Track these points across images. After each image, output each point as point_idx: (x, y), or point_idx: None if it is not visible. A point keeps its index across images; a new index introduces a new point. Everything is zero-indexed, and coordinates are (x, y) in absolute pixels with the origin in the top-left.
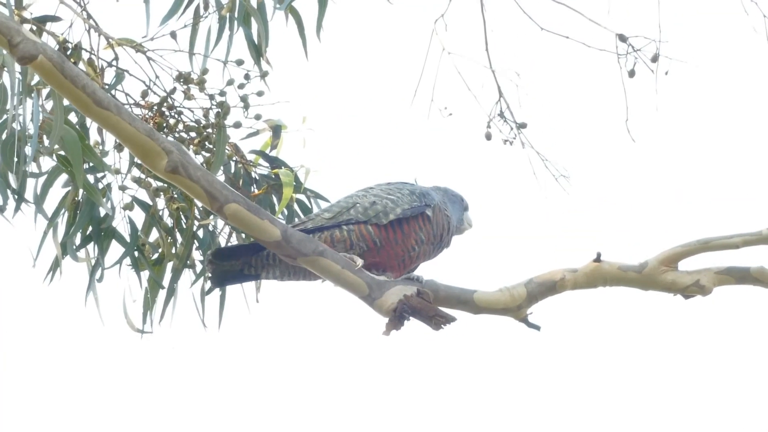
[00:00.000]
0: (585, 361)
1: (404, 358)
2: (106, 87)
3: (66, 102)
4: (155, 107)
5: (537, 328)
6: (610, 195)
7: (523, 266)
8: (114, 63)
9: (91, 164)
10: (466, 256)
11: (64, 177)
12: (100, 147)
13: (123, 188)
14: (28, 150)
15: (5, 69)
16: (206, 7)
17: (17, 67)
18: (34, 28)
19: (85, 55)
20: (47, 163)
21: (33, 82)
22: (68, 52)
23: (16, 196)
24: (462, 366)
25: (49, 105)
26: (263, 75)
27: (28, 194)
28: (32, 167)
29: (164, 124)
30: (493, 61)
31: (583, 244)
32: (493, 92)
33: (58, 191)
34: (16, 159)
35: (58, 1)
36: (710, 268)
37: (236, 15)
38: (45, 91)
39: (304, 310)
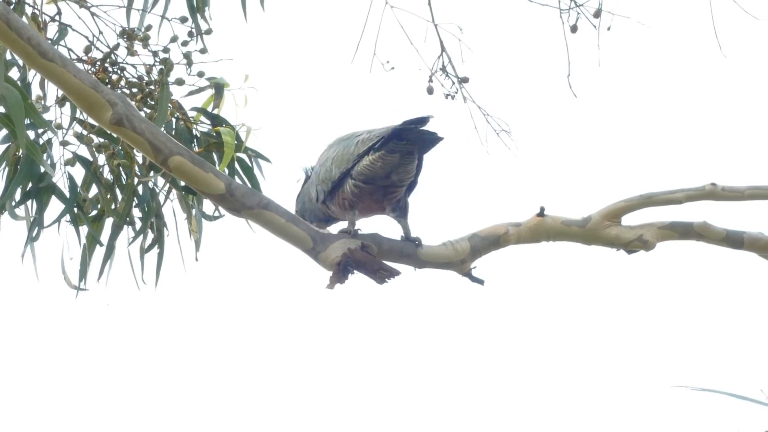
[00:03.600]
0: (528, 315)
1: (348, 312)
2: (50, 42)
3: (8, 57)
4: (98, 63)
5: (480, 282)
6: (552, 150)
7: (466, 221)
8: (57, 18)
9: (31, 121)
10: (411, 210)
11: (2, 132)
12: (43, 102)
13: (64, 143)
14: None
15: None
16: None
17: None
18: None
19: (28, 10)
20: None
21: None
22: (11, 7)
23: None
24: (405, 320)
25: None
26: (206, 32)
27: None
28: None
29: (107, 80)
30: (436, 15)
31: (526, 199)
32: (435, 46)
33: None
34: None
35: None
36: (653, 223)
37: None
38: None
39: (246, 268)
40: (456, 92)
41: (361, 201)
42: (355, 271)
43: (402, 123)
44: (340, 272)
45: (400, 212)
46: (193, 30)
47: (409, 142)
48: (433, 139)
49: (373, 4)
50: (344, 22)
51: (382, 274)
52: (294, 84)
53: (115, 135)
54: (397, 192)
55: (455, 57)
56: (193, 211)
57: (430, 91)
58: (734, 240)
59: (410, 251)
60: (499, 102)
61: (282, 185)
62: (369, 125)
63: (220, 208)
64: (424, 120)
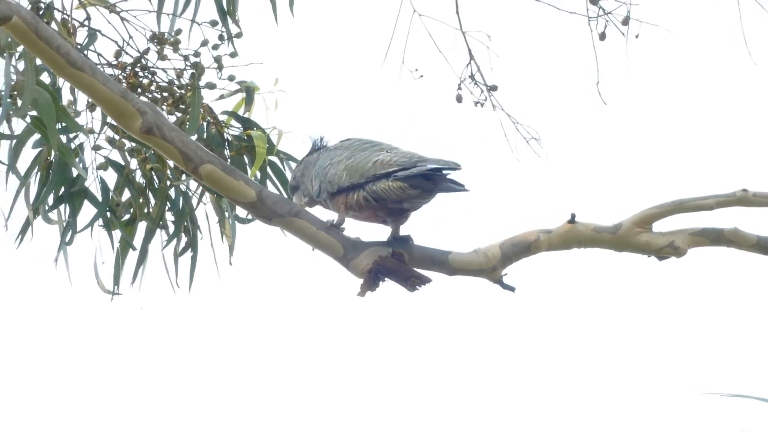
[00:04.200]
0: (559, 322)
1: (379, 319)
2: (79, 47)
3: (39, 62)
4: (128, 68)
5: (511, 289)
6: (582, 157)
7: (497, 228)
8: (86, 23)
9: (63, 125)
10: (440, 218)
11: (36, 137)
12: (74, 107)
13: (97, 148)
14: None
15: None
16: None
17: None
18: None
19: (58, 16)
20: (20, 124)
21: (3, 44)
22: (41, 13)
23: None
24: (437, 327)
25: (21, 67)
26: (236, 36)
27: (2, 154)
28: (4, 129)
29: (138, 85)
30: (464, 23)
31: (556, 206)
32: (463, 54)
33: (29, 152)
34: None
35: None
36: (684, 230)
37: None
38: (13, 54)
39: (278, 273)
40: (485, 100)
41: (364, 212)
42: (386, 279)
43: (431, 165)
44: (371, 280)
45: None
46: (224, 34)
47: (432, 183)
48: (457, 189)
49: (402, 11)
50: (373, 29)
51: (413, 282)
52: (324, 88)
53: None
54: (405, 217)
55: (484, 65)
56: (227, 215)
57: (459, 99)
58: (765, 246)
59: (441, 259)
60: (528, 109)
61: None
62: (390, 139)
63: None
64: (453, 167)
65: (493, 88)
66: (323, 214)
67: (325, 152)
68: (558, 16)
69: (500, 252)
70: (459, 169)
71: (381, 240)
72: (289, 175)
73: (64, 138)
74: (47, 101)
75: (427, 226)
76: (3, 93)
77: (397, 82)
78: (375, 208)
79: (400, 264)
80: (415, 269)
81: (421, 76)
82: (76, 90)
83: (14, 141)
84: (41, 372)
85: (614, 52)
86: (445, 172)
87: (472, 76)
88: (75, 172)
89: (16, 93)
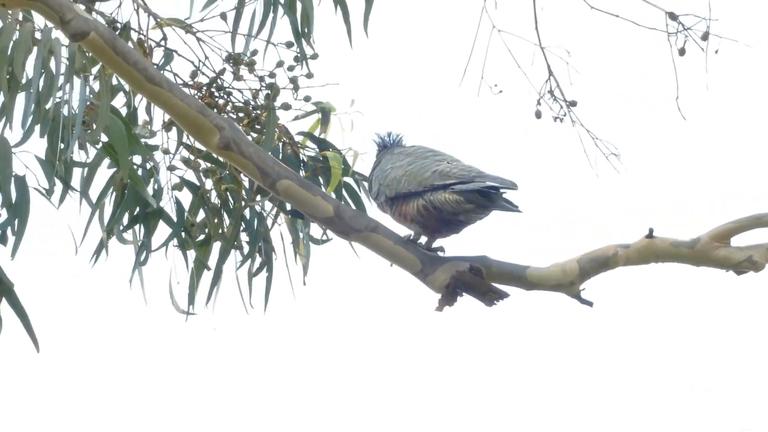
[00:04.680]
0: (638, 336)
1: (457, 334)
2: (156, 67)
3: (114, 81)
4: (204, 88)
5: (589, 304)
6: (660, 172)
7: (575, 243)
8: (163, 43)
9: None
10: (518, 233)
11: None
12: (149, 127)
13: (172, 168)
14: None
15: (52, 54)
16: None
17: (64, 51)
18: (83, 8)
19: (134, 36)
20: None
21: (79, 66)
22: (117, 33)
23: (63, 183)
24: (515, 341)
25: (96, 87)
26: (311, 57)
27: (75, 178)
28: (78, 154)
29: (213, 105)
30: (543, 39)
31: (635, 220)
32: (542, 70)
33: (105, 171)
34: (62, 145)
35: None
36: (762, 244)
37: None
38: (88, 77)
39: (353, 291)
40: (564, 116)
41: (424, 219)
42: (463, 294)
43: (489, 182)
44: (449, 294)
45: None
46: (299, 55)
47: (488, 200)
48: (511, 209)
49: (481, 27)
50: (452, 46)
51: (490, 296)
52: (401, 108)
53: (222, 159)
54: (460, 227)
55: (563, 80)
56: (301, 235)
57: (538, 114)
58: None
59: (519, 273)
60: (607, 125)
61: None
62: (470, 155)
63: (328, 231)
64: (510, 187)
65: (573, 103)
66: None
67: (388, 154)
68: (637, 32)
69: (578, 266)
70: (516, 189)
71: (459, 255)
72: (363, 197)
73: (138, 159)
74: (120, 129)
75: (505, 240)
76: (77, 117)
77: (476, 99)
78: (435, 218)
79: (478, 279)
80: (492, 284)
81: (501, 91)
82: (151, 110)
83: (86, 167)
84: (118, 392)
85: (694, 67)
86: (501, 190)
87: (551, 92)
88: (150, 192)
89: (88, 118)
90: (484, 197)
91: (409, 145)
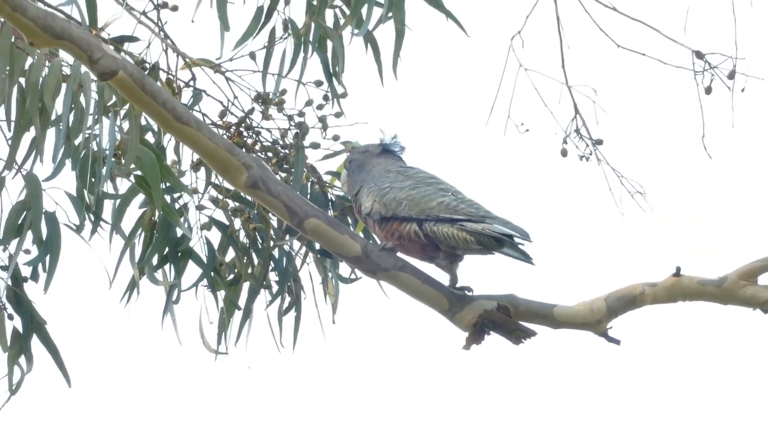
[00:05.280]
0: (665, 375)
1: (485, 372)
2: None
3: (143, 121)
4: (233, 127)
5: (617, 342)
6: (687, 210)
7: (601, 281)
8: (191, 83)
9: (168, 185)
10: (545, 271)
11: (140, 197)
12: (178, 167)
13: (200, 208)
14: (104, 170)
15: (82, 89)
16: (285, 28)
17: (94, 87)
18: (112, 48)
19: (163, 76)
20: (124, 183)
21: (109, 103)
22: (146, 72)
23: (93, 217)
24: (543, 379)
25: (126, 126)
26: (341, 96)
27: (105, 215)
28: (109, 188)
29: (242, 144)
30: (570, 77)
31: (661, 259)
32: (569, 108)
33: (134, 212)
34: (92, 179)
35: (135, 22)
36: None
37: (311, 38)
38: (118, 112)
39: (382, 329)
40: (590, 154)
41: (412, 246)
42: (491, 332)
43: (505, 229)
44: (477, 333)
45: (451, 260)
46: (329, 93)
47: (500, 245)
48: (523, 259)
49: (508, 66)
50: (479, 84)
51: (518, 335)
52: (428, 146)
53: (250, 198)
54: (456, 261)
55: (589, 118)
56: (330, 274)
57: (564, 153)
58: None
59: (547, 312)
60: (633, 162)
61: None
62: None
63: (356, 270)
64: (524, 237)
65: (599, 142)
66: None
67: (383, 165)
68: (664, 70)
69: (605, 305)
70: (529, 241)
71: (486, 294)
72: None
73: (168, 199)
74: (152, 161)
75: (531, 279)
76: (107, 152)
77: (502, 136)
78: (424, 246)
79: (506, 317)
80: (520, 322)
81: (527, 130)
82: (180, 150)
83: (118, 201)
84: (150, 430)
85: (720, 105)
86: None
87: (577, 130)
88: (179, 232)
89: (120, 152)
90: (497, 242)
91: (407, 165)
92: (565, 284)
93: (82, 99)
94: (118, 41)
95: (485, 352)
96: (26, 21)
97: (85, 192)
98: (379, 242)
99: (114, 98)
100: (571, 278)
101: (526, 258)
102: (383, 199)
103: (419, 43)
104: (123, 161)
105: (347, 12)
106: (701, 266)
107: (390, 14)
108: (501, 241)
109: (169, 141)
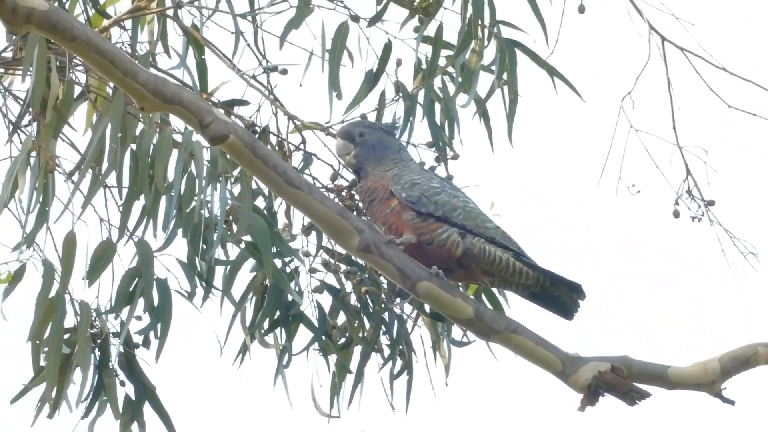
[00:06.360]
0: None
1: None
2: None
3: (254, 185)
4: (344, 191)
5: (731, 402)
6: None
7: (715, 342)
8: (302, 147)
9: (278, 249)
10: (658, 331)
11: (251, 261)
12: (289, 230)
13: (312, 271)
14: (216, 238)
15: (193, 157)
16: (397, 91)
17: (205, 154)
18: (222, 111)
19: (273, 139)
20: (235, 247)
21: (220, 169)
22: (256, 136)
23: (204, 283)
24: None
25: (237, 189)
26: (452, 158)
27: (216, 280)
28: (219, 254)
29: (353, 208)
30: (680, 137)
31: None
32: (680, 169)
33: (245, 276)
34: (203, 246)
35: (245, 85)
36: None
37: (422, 101)
38: (229, 178)
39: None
40: (702, 215)
41: (435, 251)
42: (605, 394)
43: (568, 282)
44: (591, 394)
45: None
46: (440, 156)
47: (549, 295)
48: (565, 316)
49: (618, 127)
50: (589, 146)
51: (632, 396)
52: (540, 209)
53: (361, 261)
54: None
55: (701, 179)
56: (441, 337)
57: (676, 214)
58: None
59: (661, 373)
60: (745, 223)
61: (524, 310)
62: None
63: (468, 333)
64: (580, 292)
65: (711, 203)
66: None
67: (410, 160)
68: None
69: (719, 366)
70: (585, 298)
71: (600, 355)
72: (501, 300)
73: (279, 263)
74: (263, 228)
75: (645, 341)
76: (219, 218)
77: (613, 198)
78: (448, 257)
79: (620, 379)
80: (634, 384)
81: (638, 191)
82: (291, 214)
83: (229, 267)
84: None
85: None
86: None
87: (689, 191)
88: (290, 297)
89: (231, 218)
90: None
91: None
92: (679, 345)
93: (193, 167)
94: (229, 105)
95: (600, 414)
96: (137, 86)
97: (197, 259)
98: (380, 229)
99: (225, 165)
100: (684, 338)
101: (566, 313)
102: (434, 197)
103: (527, 103)
104: (234, 228)
105: (453, 72)
106: None
107: (502, 81)
108: (576, 288)
109: (280, 205)
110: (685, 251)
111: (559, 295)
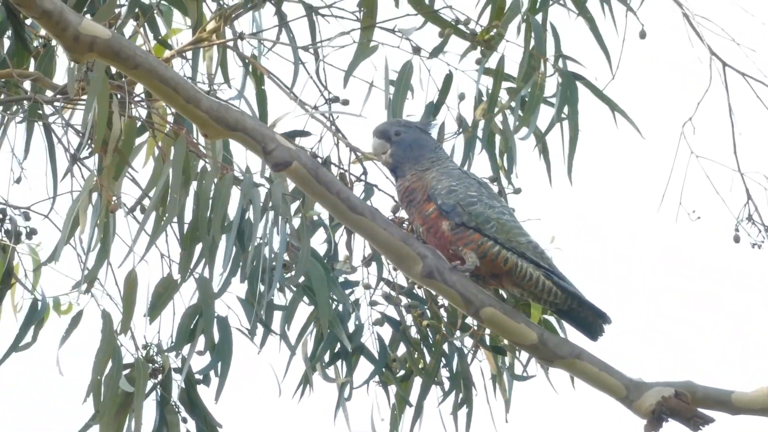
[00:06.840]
0: None
1: None
2: None
3: (315, 217)
4: (406, 222)
5: None
6: None
7: None
8: (363, 177)
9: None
10: (721, 355)
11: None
12: (349, 262)
13: (373, 304)
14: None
15: (252, 204)
16: (460, 124)
17: (261, 196)
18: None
19: (335, 170)
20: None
21: (283, 210)
22: None
23: (263, 327)
24: None
25: (296, 222)
26: (514, 192)
27: (276, 319)
28: (277, 297)
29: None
30: (742, 163)
31: None
32: (741, 195)
33: (306, 307)
34: (261, 287)
35: (307, 116)
36: None
37: (481, 135)
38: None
39: (555, 423)
40: (762, 241)
41: (489, 265)
42: (669, 419)
43: (594, 308)
44: (655, 420)
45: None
46: (501, 189)
47: (576, 314)
48: (591, 332)
49: (679, 153)
50: (649, 172)
51: (696, 421)
52: (601, 240)
53: (424, 290)
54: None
55: (762, 205)
56: (502, 370)
57: (736, 240)
58: None
59: (724, 398)
60: None
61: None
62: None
63: (528, 366)
64: (608, 321)
65: None
66: None
67: (442, 157)
68: None
69: None
70: (609, 323)
71: (664, 381)
72: (560, 333)
73: (338, 295)
74: (320, 274)
75: (707, 366)
76: (277, 261)
77: (674, 224)
78: (499, 272)
79: (684, 404)
80: (698, 409)
81: (699, 217)
82: (351, 244)
83: (285, 310)
84: None
85: None
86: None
87: (749, 217)
88: (351, 327)
89: (288, 260)
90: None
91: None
92: (743, 370)
93: (251, 211)
94: (290, 136)
95: None
96: (200, 113)
97: (254, 303)
98: (415, 227)
99: (284, 207)
100: (748, 364)
101: (592, 334)
102: (469, 207)
103: (586, 134)
104: (293, 271)
105: (512, 104)
106: None
107: (563, 116)
108: (601, 315)
109: (341, 236)
110: (746, 277)
111: (586, 316)
